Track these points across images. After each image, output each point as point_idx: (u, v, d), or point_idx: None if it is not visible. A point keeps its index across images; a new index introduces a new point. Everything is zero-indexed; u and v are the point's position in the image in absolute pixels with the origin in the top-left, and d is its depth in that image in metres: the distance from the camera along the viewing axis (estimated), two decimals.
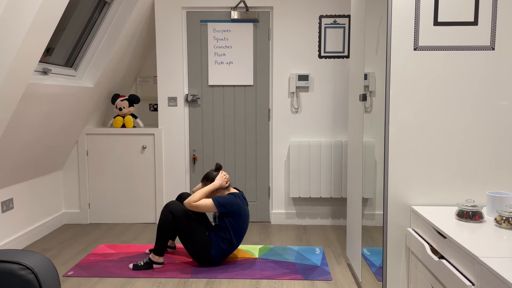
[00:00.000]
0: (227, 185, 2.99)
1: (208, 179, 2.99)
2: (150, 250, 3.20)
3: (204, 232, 2.87)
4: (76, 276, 2.78)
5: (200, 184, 3.09)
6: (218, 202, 2.83)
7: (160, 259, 2.89)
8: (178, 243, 3.43)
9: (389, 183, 2.17)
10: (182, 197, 3.15)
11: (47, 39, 2.52)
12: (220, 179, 2.94)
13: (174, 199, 3.98)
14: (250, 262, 3.00)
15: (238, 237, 2.93)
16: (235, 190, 3.05)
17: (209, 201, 2.83)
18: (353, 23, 2.81)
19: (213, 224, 3.02)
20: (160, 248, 2.86)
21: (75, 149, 3.91)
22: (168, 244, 3.19)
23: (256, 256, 3.13)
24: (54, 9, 2.42)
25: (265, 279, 2.74)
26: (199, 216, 3.09)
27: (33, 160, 3.30)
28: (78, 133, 3.83)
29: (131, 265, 2.89)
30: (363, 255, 2.59)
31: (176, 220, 2.81)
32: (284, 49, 3.83)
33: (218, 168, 3.03)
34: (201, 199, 2.84)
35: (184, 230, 2.82)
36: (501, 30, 2.08)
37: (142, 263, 2.87)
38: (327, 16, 3.80)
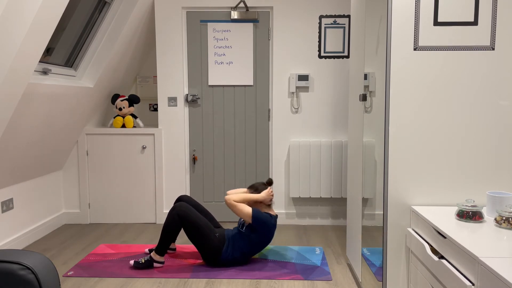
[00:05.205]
0: (269, 203, 3.05)
1: (256, 189, 3.05)
2: (150, 250, 3.20)
3: (214, 233, 2.90)
4: (76, 276, 2.78)
5: (240, 189, 3.13)
6: (256, 215, 2.87)
7: (161, 259, 2.91)
8: (178, 243, 3.43)
9: (389, 183, 2.17)
10: (182, 199, 3.16)
11: (47, 39, 2.51)
12: (266, 194, 2.99)
13: (174, 199, 3.98)
14: (250, 262, 3.00)
15: (253, 253, 2.95)
16: (274, 212, 3.09)
17: (248, 209, 2.87)
18: (353, 23, 2.81)
19: (238, 229, 3.01)
20: (162, 248, 2.89)
21: (75, 149, 3.91)
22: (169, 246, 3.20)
23: (256, 256, 3.13)
24: (54, 9, 2.42)
25: (265, 279, 2.74)
26: (206, 216, 3.12)
27: (33, 160, 3.30)
28: (78, 133, 3.83)
29: (132, 261, 2.92)
30: (363, 255, 2.59)
31: (184, 223, 2.85)
32: (284, 49, 3.83)
33: (268, 183, 3.09)
34: (241, 203, 2.89)
35: (192, 231, 2.85)
36: (501, 30, 2.08)
37: (143, 261, 2.89)
38: (327, 16, 3.80)
